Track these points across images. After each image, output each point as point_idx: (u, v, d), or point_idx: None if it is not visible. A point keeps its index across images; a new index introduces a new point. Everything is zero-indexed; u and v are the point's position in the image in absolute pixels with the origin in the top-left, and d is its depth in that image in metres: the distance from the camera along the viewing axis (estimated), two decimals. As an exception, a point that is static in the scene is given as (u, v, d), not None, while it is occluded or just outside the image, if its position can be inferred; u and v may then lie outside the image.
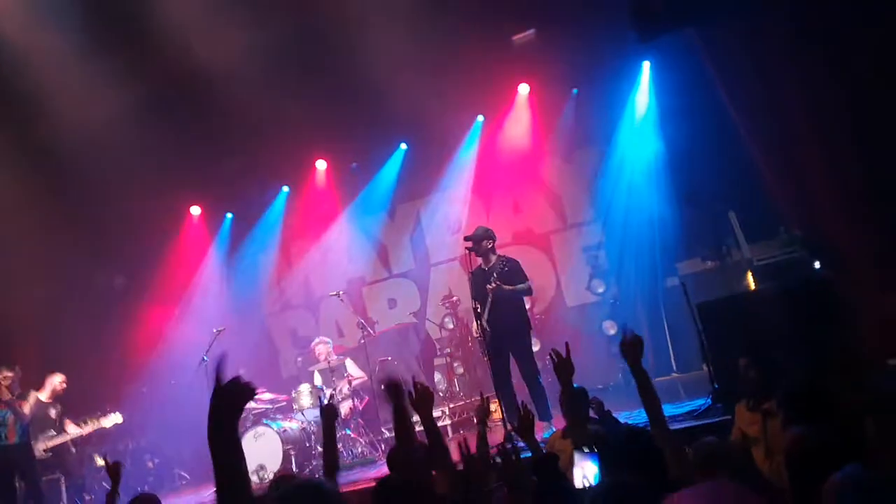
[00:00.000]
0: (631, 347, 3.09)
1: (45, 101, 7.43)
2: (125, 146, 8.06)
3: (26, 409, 6.88)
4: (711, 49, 6.37)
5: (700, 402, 5.38)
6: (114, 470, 3.85)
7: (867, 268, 5.37)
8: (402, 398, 3.00)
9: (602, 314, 8.80)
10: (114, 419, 7.53)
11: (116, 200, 8.89)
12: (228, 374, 1.71)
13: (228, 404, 1.69)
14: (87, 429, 7.38)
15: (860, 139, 5.60)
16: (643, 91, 8.82)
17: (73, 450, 7.78)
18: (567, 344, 3.45)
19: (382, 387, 2.96)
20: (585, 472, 3.01)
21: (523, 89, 9.30)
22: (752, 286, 5.51)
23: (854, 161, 5.61)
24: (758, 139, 6.22)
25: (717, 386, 4.94)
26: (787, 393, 2.57)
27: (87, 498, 7.73)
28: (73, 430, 7.39)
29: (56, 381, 7.45)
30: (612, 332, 8.49)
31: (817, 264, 5.24)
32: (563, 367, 3.44)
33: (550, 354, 3.51)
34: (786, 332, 4.50)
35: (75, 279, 9.37)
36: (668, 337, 8.04)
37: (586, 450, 3.01)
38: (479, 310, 6.18)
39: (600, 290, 8.95)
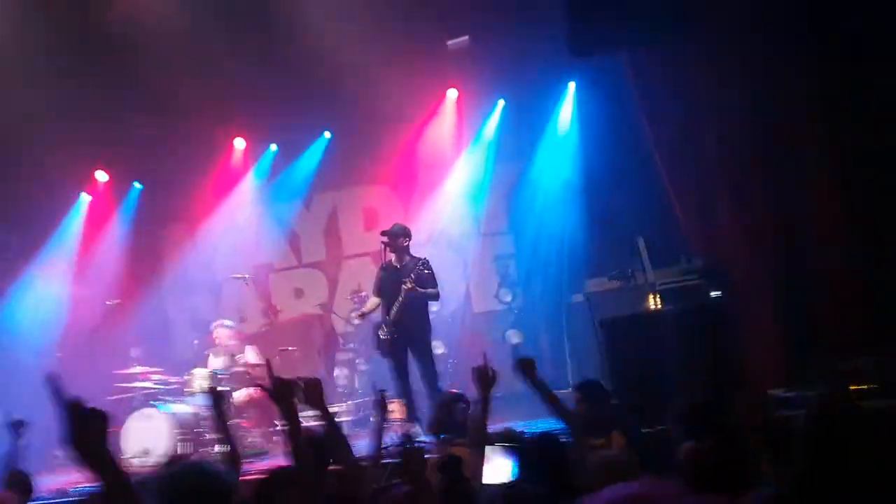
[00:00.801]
0: (526, 366, 3.28)
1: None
2: (37, 103, 7.51)
3: None
4: (638, 74, 6.65)
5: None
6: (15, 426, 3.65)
7: (764, 299, 5.77)
8: (291, 397, 2.83)
9: (507, 323, 8.98)
10: None
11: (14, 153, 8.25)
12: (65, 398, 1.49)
13: (90, 430, 1.49)
14: None
15: (768, 173, 6.00)
16: (566, 110, 9.11)
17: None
18: (485, 353, 3.49)
19: (270, 388, 2.76)
20: (497, 468, 3.05)
21: (452, 94, 9.39)
22: (653, 307, 5.79)
23: (760, 194, 6.00)
24: (671, 168, 6.56)
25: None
26: (684, 406, 2.72)
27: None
28: None
29: None
30: (516, 340, 8.68)
31: (714, 292, 5.57)
32: (484, 376, 3.42)
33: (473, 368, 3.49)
34: (681, 351, 4.78)
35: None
36: (567, 351, 8.29)
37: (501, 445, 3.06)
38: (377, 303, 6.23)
39: (507, 300, 9.14)
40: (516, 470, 2.93)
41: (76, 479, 6.40)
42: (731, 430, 2.64)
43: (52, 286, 9.37)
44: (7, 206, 9.01)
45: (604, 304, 6.40)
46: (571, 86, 9.02)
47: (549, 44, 7.55)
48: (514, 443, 3.11)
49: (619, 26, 5.95)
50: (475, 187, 9.57)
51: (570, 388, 8.04)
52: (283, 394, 2.71)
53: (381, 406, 4.14)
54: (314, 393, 3.16)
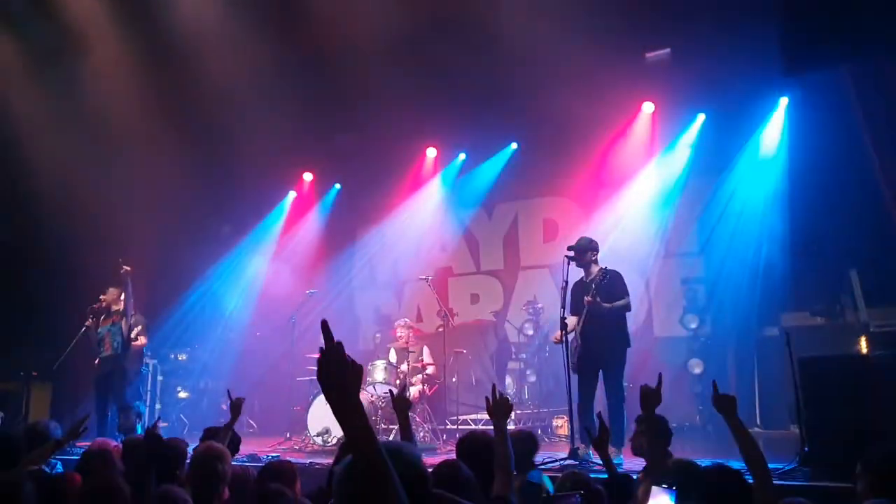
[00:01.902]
0: (727, 404, 3.04)
1: (197, 49, 7.85)
2: (257, 105, 8.40)
3: (124, 326, 7.44)
4: (861, 90, 5.95)
5: (782, 464, 5.07)
6: (236, 405, 4.20)
7: None
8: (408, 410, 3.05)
9: (690, 351, 8.45)
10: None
11: (240, 153, 9.30)
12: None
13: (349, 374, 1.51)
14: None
15: None
16: (775, 127, 8.40)
17: (160, 378, 8.39)
18: (660, 375, 3.38)
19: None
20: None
21: (647, 107, 9.07)
22: (864, 351, 5.13)
23: None
24: (897, 195, 5.79)
25: (807, 448, 4.64)
26: (878, 456, 2.39)
27: (163, 425, 8.22)
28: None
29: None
30: (698, 371, 8.16)
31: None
32: (653, 396, 3.35)
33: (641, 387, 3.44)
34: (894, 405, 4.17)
35: (188, 217, 9.87)
36: (756, 388, 7.64)
37: (664, 485, 2.90)
38: (575, 322, 6.09)
39: (693, 326, 8.58)
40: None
41: (266, 448, 7.09)
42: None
43: (258, 273, 10.43)
44: (225, 201, 10.16)
45: (803, 341, 5.78)
46: (783, 101, 8.32)
47: (758, 56, 7.04)
48: (688, 474, 2.92)
49: (840, 40, 5.37)
50: (664, 205, 9.14)
51: (758, 427, 7.50)
52: (402, 407, 3.00)
53: (503, 406, 4.12)
54: (501, 409, 3.31)
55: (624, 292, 6.12)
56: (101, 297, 7.81)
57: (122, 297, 7.64)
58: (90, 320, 7.77)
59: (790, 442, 5.47)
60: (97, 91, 8.64)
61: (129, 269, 7.55)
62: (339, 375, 1.45)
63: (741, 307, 8.17)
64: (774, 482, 4.73)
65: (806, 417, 4.67)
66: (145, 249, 8.69)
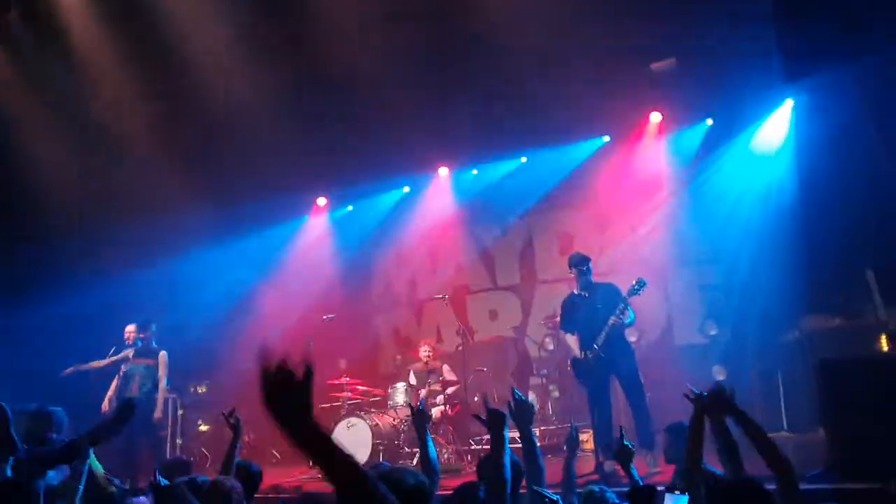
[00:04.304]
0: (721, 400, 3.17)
1: (205, 74, 7.97)
2: (269, 127, 8.50)
3: (161, 371, 7.38)
4: (871, 87, 5.93)
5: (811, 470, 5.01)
6: (235, 425, 4.02)
7: None
8: (503, 428, 2.93)
9: (712, 358, 8.38)
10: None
11: (251, 175, 9.39)
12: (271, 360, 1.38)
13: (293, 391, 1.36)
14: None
15: None
16: (781, 129, 8.39)
17: (181, 412, 8.39)
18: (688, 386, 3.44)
19: (486, 419, 2.92)
20: None
21: (654, 117, 9.10)
22: (885, 350, 5.07)
23: None
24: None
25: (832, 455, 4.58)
26: None
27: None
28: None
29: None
30: (721, 377, 8.08)
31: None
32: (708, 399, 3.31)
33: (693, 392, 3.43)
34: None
35: (199, 248, 9.96)
36: (781, 392, 7.55)
37: (677, 492, 2.91)
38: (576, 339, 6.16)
39: (713, 333, 8.53)
40: None
41: (289, 478, 7.12)
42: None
43: (272, 300, 10.50)
44: (237, 230, 10.26)
45: (824, 343, 5.75)
46: (788, 103, 8.31)
47: (762, 60, 7.05)
48: (705, 482, 2.92)
49: (842, 39, 5.37)
50: (678, 213, 9.13)
51: (785, 432, 7.41)
52: (497, 423, 2.86)
53: (574, 439, 4.12)
54: (525, 414, 3.36)
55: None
56: (128, 332, 7.57)
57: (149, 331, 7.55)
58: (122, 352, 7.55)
59: (819, 446, 5.39)
60: (102, 116, 8.69)
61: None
62: (282, 401, 1.31)
63: (760, 312, 8.11)
64: (803, 487, 4.71)
65: (827, 419, 4.63)
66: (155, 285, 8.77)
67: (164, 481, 3.06)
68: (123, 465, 6.75)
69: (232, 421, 4.06)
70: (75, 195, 8.90)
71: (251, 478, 3.79)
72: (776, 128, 8.45)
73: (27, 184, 8.81)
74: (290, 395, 1.31)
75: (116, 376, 7.57)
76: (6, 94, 8.57)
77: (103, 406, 7.40)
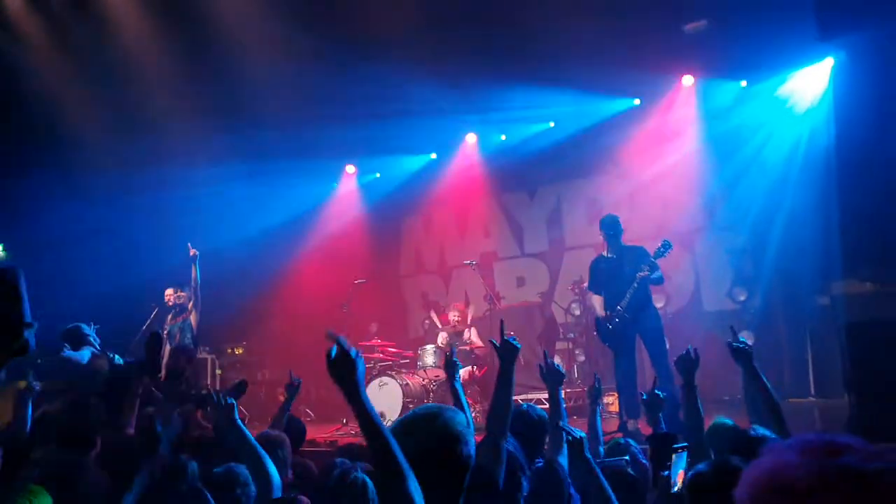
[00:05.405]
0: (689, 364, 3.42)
1: (236, 40, 8.03)
2: (300, 96, 8.54)
3: (193, 320, 7.64)
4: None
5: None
6: (292, 386, 4.44)
7: None
8: (514, 358, 3.03)
9: (740, 323, 8.36)
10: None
11: (284, 143, 9.45)
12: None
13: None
14: None
15: None
16: (817, 90, 8.21)
17: (219, 372, 8.72)
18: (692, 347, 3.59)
19: (499, 345, 3.04)
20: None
21: (687, 80, 8.96)
22: (917, 315, 5.02)
23: None
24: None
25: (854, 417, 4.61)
26: None
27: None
28: None
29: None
30: (750, 342, 8.05)
31: None
32: (687, 361, 3.47)
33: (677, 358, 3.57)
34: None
35: (233, 212, 10.08)
36: (810, 358, 7.55)
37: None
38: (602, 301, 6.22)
39: (741, 298, 8.50)
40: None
41: (324, 433, 7.36)
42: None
43: (305, 264, 10.68)
44: (267, 195, 10.40)
45: (854, 309, 5.68)
46: (827, 62, 8.10)
47: (798, 19, 6.87)
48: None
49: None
50: (707, 177, 9.03)
51: (812, 397, 7.42)
52: (509, 352, 2.99)
53: (597, 390, 4.22)
54: (554, 376, 3.61)
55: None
56: (168, 295, 7.78)
57: (190, 289, 7.73)
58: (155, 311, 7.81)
59: (845, 411, 5.41)
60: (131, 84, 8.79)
61: (196, 251, 7.46)
62: (344, 370, 1.80)
63: (790, 277, 8.07)
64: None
65: (853, 385, 4.64)
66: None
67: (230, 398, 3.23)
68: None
69: (296, 383, 4.47)
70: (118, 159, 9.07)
71: (299, 431, 4.25)
72: (812, 89, 8.27)
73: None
74: (346, 369, 1.79)
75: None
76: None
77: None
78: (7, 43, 8.41)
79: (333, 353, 1.78)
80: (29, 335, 1.39)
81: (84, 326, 5.53)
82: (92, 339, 5.50)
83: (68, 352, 5.21)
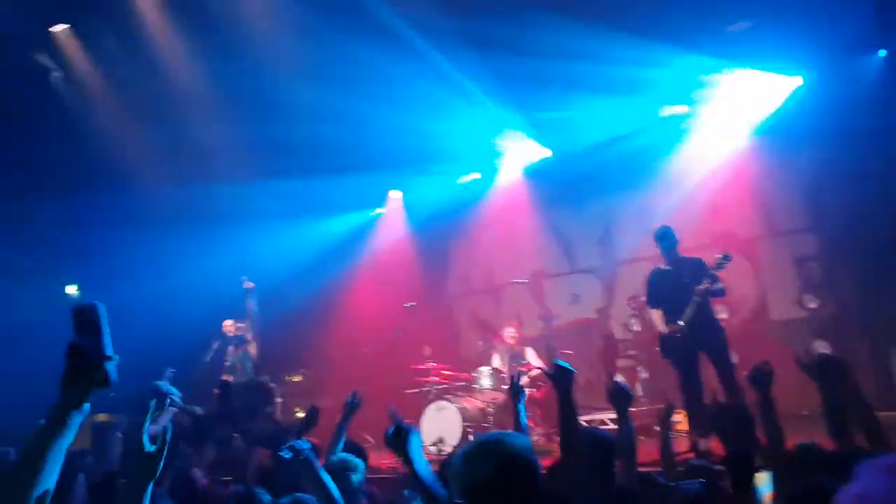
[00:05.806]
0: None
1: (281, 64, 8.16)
2: (336, 118, 8.57)
3: (252, 351, 7.68)
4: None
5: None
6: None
7: None
8: (570, 383, 2.87)
9: (812, 332, 7.93)
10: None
11: (325, 170, 9.51)
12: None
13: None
14: None
15: None
16: (878, 84, 7.80)
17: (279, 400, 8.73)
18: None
19: (551, 371, 2.89)
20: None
21: (735, 81, 8.65)
22: None
23: None
24: None
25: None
26: None
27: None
28: None
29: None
30: (825, 351, 7.65)
31: None
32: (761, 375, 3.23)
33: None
34: None
35: (286, 244, 10.21)
36: (893, 363, 7.09)
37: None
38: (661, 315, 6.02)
39: (812, 306, 8.07)
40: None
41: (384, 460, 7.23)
42: None
43: (355, 291, 10.69)
44: (314, 224, 10.47)
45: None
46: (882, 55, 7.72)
47: (850, 13, 6.60)
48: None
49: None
50: (765, 182, 8.67)
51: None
52: (562, 377, 2.82)
53: (668, 413, 4.01)
54: (622, 398, 3.44)
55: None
56: (227, 326, 7.86)
57: (248, 321, 7.74)
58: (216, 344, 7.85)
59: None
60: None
61: (251, 284, 7.52)
62: (400, 443, 2.37)
63: (865, 282, 7.63)
64: None
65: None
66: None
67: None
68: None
69: (357, 401, 4.32)
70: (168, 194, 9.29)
71: (360, 454, 4.01)
72: (873, 83, 7.87)
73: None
74: (401, 444, 2.33)
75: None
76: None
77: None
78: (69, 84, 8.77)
79: (391, 430, 2.25)
80: (110, 368, 1.44)
81: (162, 385, 5.32)
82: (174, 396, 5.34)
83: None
